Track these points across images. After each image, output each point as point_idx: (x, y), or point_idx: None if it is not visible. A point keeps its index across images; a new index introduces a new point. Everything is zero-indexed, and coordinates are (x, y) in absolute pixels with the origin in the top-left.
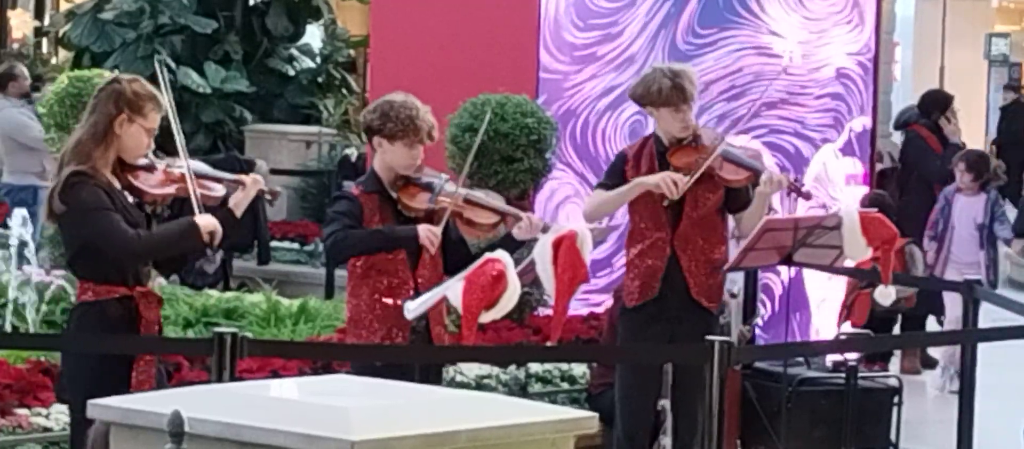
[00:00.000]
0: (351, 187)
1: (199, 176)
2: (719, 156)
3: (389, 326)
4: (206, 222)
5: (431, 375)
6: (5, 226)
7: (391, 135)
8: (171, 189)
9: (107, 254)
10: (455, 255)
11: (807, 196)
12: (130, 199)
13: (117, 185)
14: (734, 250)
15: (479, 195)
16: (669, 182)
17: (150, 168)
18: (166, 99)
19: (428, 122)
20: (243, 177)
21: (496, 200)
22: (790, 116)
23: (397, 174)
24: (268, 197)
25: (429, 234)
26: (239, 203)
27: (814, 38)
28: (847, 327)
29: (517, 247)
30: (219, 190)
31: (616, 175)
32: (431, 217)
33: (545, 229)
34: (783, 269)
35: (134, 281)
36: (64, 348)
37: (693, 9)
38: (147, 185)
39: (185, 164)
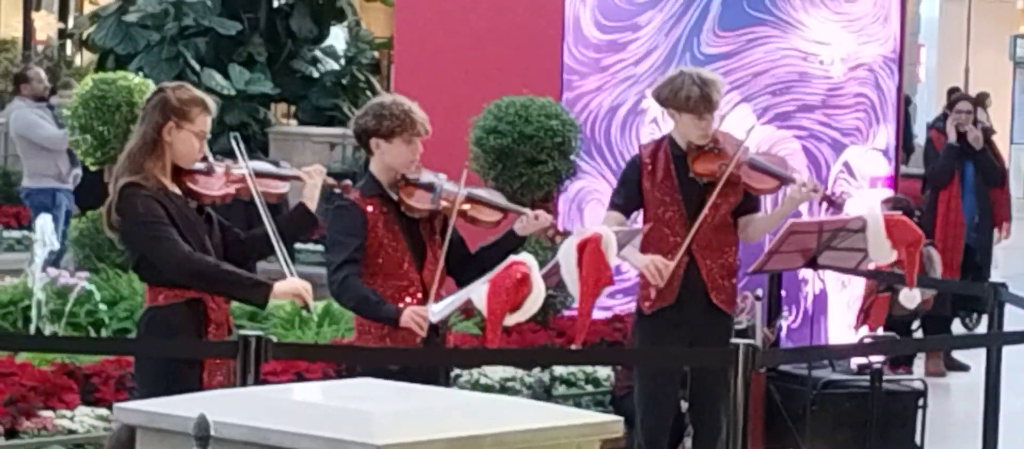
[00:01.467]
0: (350, 193)
1: (260, 174)
2: (745, 164)
3: (400, 332)
4: (288, 288)
5: (440, 377)
6: (28, 228)
7: (388, 133)
8: (231, 190)
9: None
10: (456, 254)
11: (840, 206)
12: (191, 204)
13: (177, 191)
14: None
15: (481, 193)
16: (654, 270)
17: (209, 171)
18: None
19: (421, 115)
20: (301, 172)
21: (498, 197)
22: (821, 120)
23: (397, 175)
24: (338, 189)
25: (414, 319)
26: (310, 196)
27: (841, 39)
28: (865, 331)
29: (519, 242)
30: (282, 187)
31: (631, 186)
32: (434, 217)
33: (555, 229)
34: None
35: None
36: (89, 351)
37: (716, 11)
38: (205, 188)
39: (245, 164)
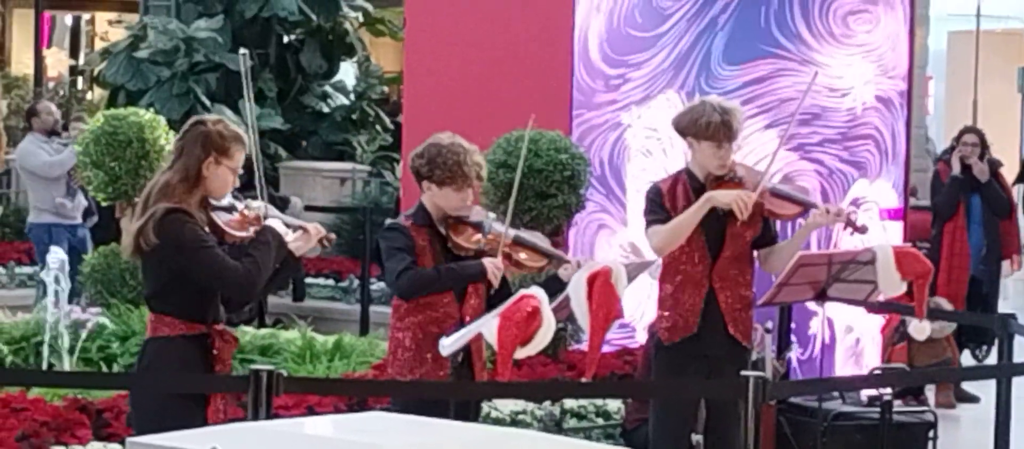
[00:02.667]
0: (401, 218)
1: (271, 218)
2: (767, 191)
3: (434, 361)
4: (303, 241)
5: (470, 411)
6: (32, 263)
7: (440, 181)
8: (249, 231)
9: (214, 289)
10: (498, 292)
11: (862, 230)
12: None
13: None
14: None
15: (527, 236)
16: (742, 202)
17: (230, 209)
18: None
19: (476, 164)
20: (308, 225)
21: (542, 241)
22: (837, 152)
23: (446, 214)
24: (326, 244)
25: (494, 268)
26: (299, 247)
27: (848, 70)
28: (876, 357)
29: (561, 288)
30: (289, 235)
31: (660, 209)
32: (481, 256)
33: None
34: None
35: (212, 319)
36: (100, 386)
37: (721, 43)
38: (229, 226)
39: (262, 206)
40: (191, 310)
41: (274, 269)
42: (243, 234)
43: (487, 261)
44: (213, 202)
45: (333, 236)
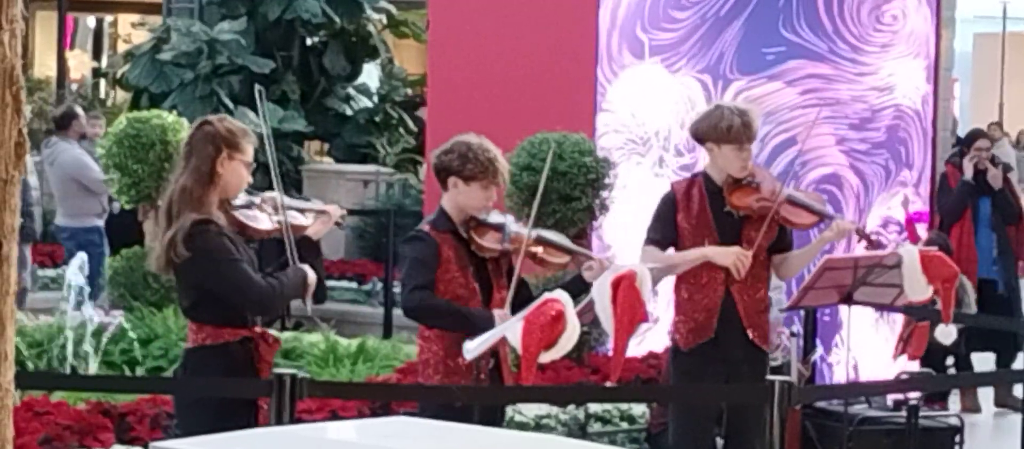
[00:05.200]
0: (424, 224)
1: (288, 208)
2: (784, 200)
3: (466, 366)
4: (312, 276)
5: (495, 416)
6: (56, 266)
7: (470, 176)
8: (275, 225)
9: (235, 303)
10: (520, 295)
11: (877, 245)
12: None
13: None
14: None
15: (550, 235)
16: (740, 263)
17: (249, 206)
18: (264, 130)
19: (504, 165)
20: (328, 207)
21: (565, 240)
22: (852, 151)
23: (468, 215)
24: (341, 223)
25: (505, 314)
26: (317, 231)
27: (874, 72)
28: (904, 360)
29: (585, 289)
30: (307, 220)
31: (666, 223)
32: (502, 257)
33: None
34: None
35: (252, 322)
36: (124, 390)
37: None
38: (256, 223)
39: (279, 198)
40: (232, 316)
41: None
42: (268, 227)
43: (497, 312)
44: (232, 202)
45: (344, 210)
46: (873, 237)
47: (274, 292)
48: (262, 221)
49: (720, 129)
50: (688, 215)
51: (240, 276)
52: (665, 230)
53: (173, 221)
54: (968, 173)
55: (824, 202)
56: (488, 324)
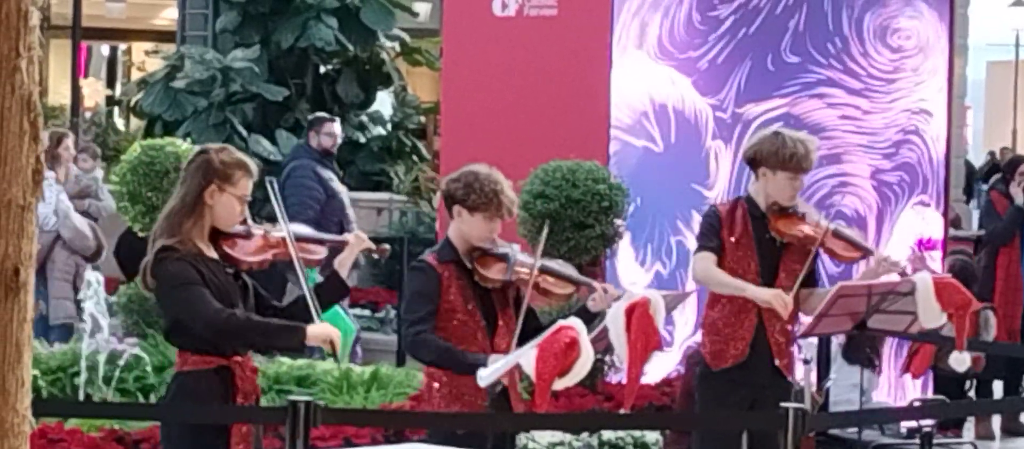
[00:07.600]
0: (427, 255)
1: (300, 239)
2: (829, 231)
3: (470, 394)
4: (320, 332)
5: (507, 443)
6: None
7: (473, 206)
8: (268, 255)
9: (193, 329)
10: (527, 324)
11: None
12: (228, 269)
13: (213, 255)
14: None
15: (554, 265)
16: (782, 304)
17: (247, 235)
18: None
19: (510, 198)
20: (346, 236)
21: (569, 270)
22: (865, 174)
23: (472, 245)
24: (375, 254)
25: (490, 374)
26: (343, 263)
27: (886, 96)
28: (919, 387)
29: (591, 319)
30: (321, 253)
31: (716, 234)
32: (507, 287)
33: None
34: None
35: (231, 351)
36: (137, 417)
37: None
38: (242, 253)
39: (285, 229)
40: (206, 344)
41: (316, 295)
42: (258, 259)
43: (492, 357)
44: (225, 230)
45: (386, 247)
46: (909, 274)
47: (231, 322)
48: (249, 251)
49: (781, 156)
50: (731, 233)
51: (194, 300)
52: (715, 241)
53: (152, 246)
54: (1018, 199)
55: (865, 237)
56: (476, 365)
